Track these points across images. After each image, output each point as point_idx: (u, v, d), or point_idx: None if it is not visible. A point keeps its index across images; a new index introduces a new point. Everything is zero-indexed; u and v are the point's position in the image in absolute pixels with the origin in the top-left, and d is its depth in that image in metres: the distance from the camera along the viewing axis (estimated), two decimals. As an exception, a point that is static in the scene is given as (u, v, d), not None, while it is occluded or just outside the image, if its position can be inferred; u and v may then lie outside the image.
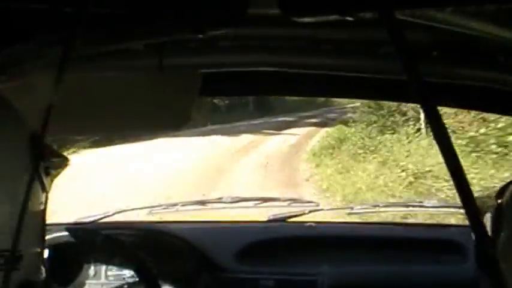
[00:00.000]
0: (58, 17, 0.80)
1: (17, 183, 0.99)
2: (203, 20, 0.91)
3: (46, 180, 1.17)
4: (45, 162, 1.14)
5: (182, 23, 0.91)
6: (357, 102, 14.19)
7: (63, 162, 1.26)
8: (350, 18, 0.79)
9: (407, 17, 0.77)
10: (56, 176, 1.24)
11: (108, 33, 0.91)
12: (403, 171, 8.15)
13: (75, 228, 2.08)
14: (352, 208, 2.40)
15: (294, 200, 2.45)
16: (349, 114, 14.67)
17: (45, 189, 1.18)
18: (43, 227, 1.19)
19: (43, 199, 1.18)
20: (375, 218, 2.64)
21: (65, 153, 1.38)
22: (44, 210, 1.20)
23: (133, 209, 2.56)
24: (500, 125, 7.65)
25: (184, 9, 0.88)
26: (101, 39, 0.93)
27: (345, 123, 14.00)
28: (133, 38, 0.97)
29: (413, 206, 2.40)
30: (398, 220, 2.63)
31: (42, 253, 1.19)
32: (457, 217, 2.28)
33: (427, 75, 0.96)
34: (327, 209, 2.50)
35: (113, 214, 2.34)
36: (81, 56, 0.95)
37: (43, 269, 1.18)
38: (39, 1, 0.81)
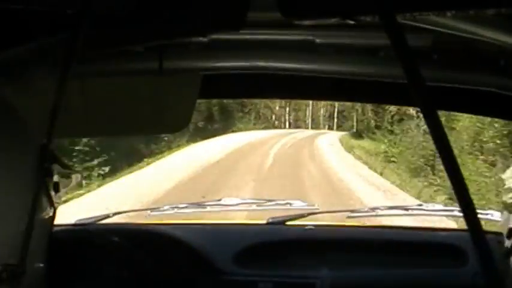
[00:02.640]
0: (59, 19, 0.80)
1: (24, 199, 0.99)
2: (204, 23, 0.91)
3: (55, 196, 1.17)
4: (53, 177, 1.14)
5: (183, 26, 0.91)
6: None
7: (72, 175, 1.26)
8: (351, 22, 0.79)
9: (408, 21, 0.77)
10: (66, 189, 1.24)
11: (109, 36, 0.92)
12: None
13: (74, 230, 2.08)
14: (351, 211, 2.40)
15: (293, 203, 2.44)
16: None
17: (53, 205, 1.17)
18: (48, 242, 1.18)
19: (50, 214, 1.18)
20: (374, 222, 2.64)
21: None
22: (51, 225, 1.20)
23: (132, 211, 2.55)
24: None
25: (185, 12, 0.88)
26: (102, 42, 0.93)
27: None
28: (134, 40, 0.97)
29: (413, 210, 2.39)
30: (397, 224, 2.63)
31: (46, 267, 1.18)
32: (456, 221, 2.28)
33: (427, 79, 0.96)
34: (326, 212, 2.50)
35: (112, 215, 2.34)
36: (82, 58, 0.96)
37: (46, 283, 1.18)
38: (41, 3, 0.81)
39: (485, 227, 1.49)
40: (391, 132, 22.00)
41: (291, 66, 1.19)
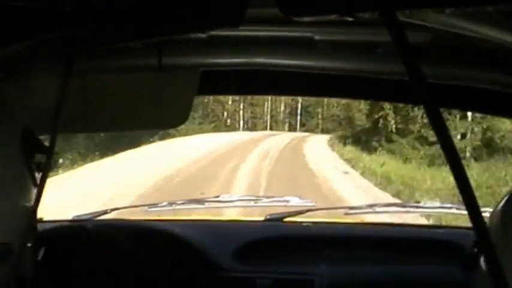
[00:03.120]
0: (58, 16, 0.80)
1: (7, 178, 0.99)
2: (203, 19, 0.91)
3: (38, 176, 1.17)
4: (37, 157, 1.14)
5: (182, 23, 0.91)
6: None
7: (54, 159, 1.26)
8: (350, 18, 0.79)
9: (407, 17, 0.77)
10: (48, 171, 1.24)
11: (108, 32, 0.91)
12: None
13: (71, 226, 2.08)
14: (349, 208, 2.41)
15: (291, 199, 2.45)
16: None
17: (36, 185, 1.18)
18: (35, 222, 1.19)
19: (34, 194, 1.18)
20: (372, 218, 2.64)
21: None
22: (36, 206, 1.20)
23: (130, 207, 2.56)
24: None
25: (184, 8, 0.88)
26: (101, 38, 0.93)
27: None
28: (133, 37, 0.97)
29: (411, 207, 2.40)
30: (395, 221, 2.63)
31: (34, 248, 1.18)
32: (454, 218, 2.29)
33: (427, 76, 0.96)
34: (324, 209, 2.50)
35: (110, 211, 2.34)
36: (81, 55, 0.96)
37: (35, 264, 1.18)
38: (40, 0, 0.81)
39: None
40: (425, 140, 14.36)
41: (290, 63, 1.19)
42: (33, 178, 1.15)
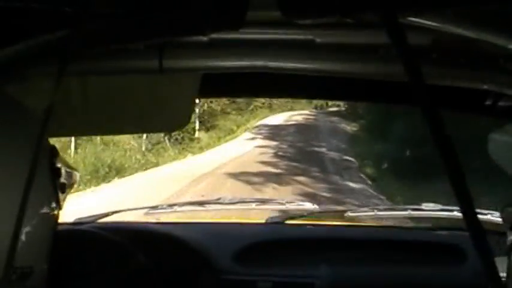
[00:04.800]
0: (58, 17, 0.80)
1: (34, 200, 0.98)
2: (204, 22, 0.91)
3: (61, 197, 1.17)
4: (62, 177, 1.14)
5: (182, 25, 0.91)
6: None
7: (75, 177, 1.26)
8: (351, 21, 0.79)
9: (408, 19, 0.77)
10: (68, 191, 1.24)
11: (108, 34, 0.91)
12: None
13: (73, 228, 2.08)
14: (350, 210, 2.41)
15: (293, 202, 2.45)
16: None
17: (59, 207, 1.17)
18: (53, 243, 1.18)
19: (57, 216, 1.18)
20: (373, 221, 2.64)
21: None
22: (56, 227, 1.20)
23: (131, 209, 2.56)
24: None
25: (185, 11, 0.88)
26: (102, 40, 0.93)
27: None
28: (133, 38, 0.97)
29: (412, 210, 2.40)
30: (396, 223, 2.63)
31: (51, 268, 1.18)
32: (455, 220, 2.29)
33: (426, 78, 0.96)
34: (325, 211, 2.50)
35: (111, 214, 2.34)
36: (82, 57, 0.96)
37: (50, 283, 1.18)
38: (40, 1, 0.81)
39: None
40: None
41: (291, 66, 1.19)
42: (57, 200, 1.15)
